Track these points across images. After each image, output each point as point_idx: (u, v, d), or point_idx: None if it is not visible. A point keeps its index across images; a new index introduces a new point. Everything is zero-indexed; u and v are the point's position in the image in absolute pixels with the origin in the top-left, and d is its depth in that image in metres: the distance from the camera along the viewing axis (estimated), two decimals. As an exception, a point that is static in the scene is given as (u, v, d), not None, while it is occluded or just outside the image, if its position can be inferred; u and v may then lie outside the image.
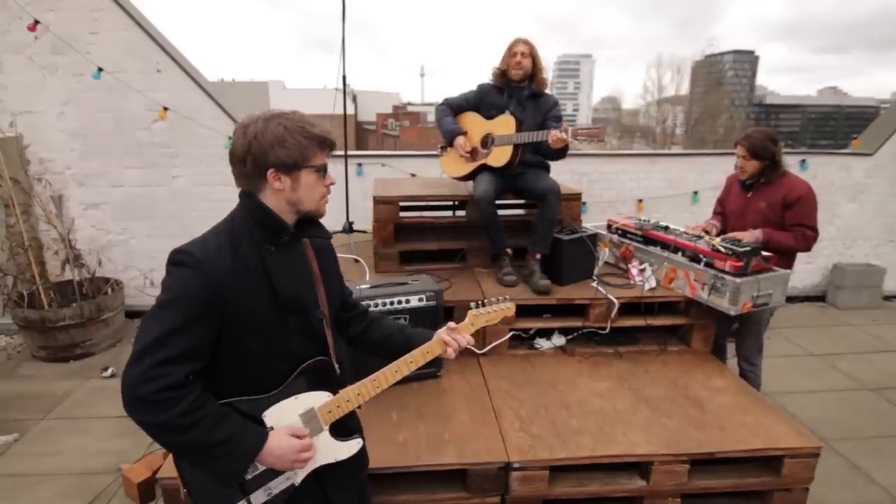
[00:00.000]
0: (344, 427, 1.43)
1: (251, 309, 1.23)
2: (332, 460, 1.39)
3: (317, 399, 1.36)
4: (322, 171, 1.29)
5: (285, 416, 1.31)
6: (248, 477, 1.29)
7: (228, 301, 1.19)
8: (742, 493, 2.21)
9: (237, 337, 1.23)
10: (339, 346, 1.44)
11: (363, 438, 1.51)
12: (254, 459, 1.24)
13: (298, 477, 1.35)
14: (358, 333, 1.59)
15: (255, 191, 1.28)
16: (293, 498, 1.36)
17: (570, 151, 3.12)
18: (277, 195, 1.27)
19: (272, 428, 1.30)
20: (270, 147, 1.21)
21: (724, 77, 76.77)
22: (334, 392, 1.38)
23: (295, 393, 1.33)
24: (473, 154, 3.21)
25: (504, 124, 3.09)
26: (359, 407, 1.45)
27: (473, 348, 2.83)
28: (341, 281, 1.56)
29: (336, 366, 1.40)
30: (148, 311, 1.19)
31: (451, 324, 1.56)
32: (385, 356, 1.49)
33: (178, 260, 1.19)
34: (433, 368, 2.60)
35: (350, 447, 1.42)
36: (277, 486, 1.33)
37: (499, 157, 3.09)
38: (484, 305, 1.64)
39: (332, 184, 1.34)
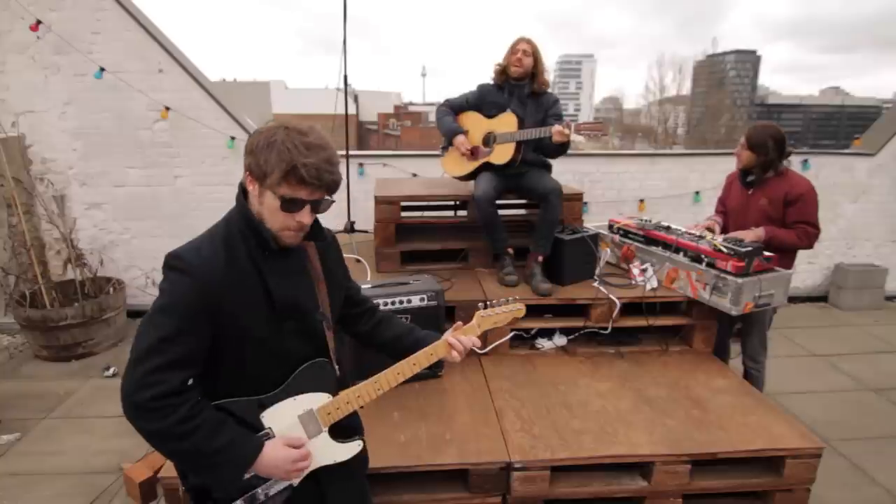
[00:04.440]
0: (344, 428, 1.41)
1: (246, 314, 1.22)
2: (330, 461, 1.38)
3: (316, 400, 1.34)
4: (287, 204, 1.19)
5: (284, 416, 1.30)
6: (246, 477, 1.27)
7: (222, 307, 1.19)
8: (744, 494, 2.21)
9: (234, 340, 1.23)
10: (339, 347, 1.42)
11: (363, 439, 1.49)
12: (249, 469, 1.23)
13: (296, 479, 1.34)
14: (366, 331, 1.57)
15: (247, 186, 1.25)
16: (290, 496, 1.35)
17: (571, 151, 3.12)
18: (253, 200, 1.24)
19: (270, 429, 1.29)
20: (258, 147, 1.18)
21: (725, 77, 76.67)
22: (334, 394, 1.36)
23: (293, 394, 1.31)
24: (475, 153, 3.21)
25: (506, 122, 3.09)
26: (361, 406, 1.43)
27: (474, 348, 2.82)
28: (347, 276, 1.53)
29: (336, 367, 1.38)
30: (146, 313, 1.19)
31: (459, 323, 1.52)
32: (393, 357, 1.46)
33: (173, 265, 1.19)
34: (435, 368, 2.60)
35: (350, 449, 1.41)
36: (275, 487, 1.31)
37: (501, 154, 3.09)
38: (492, 306, 1.57)
39: (301, 224, 1.22)
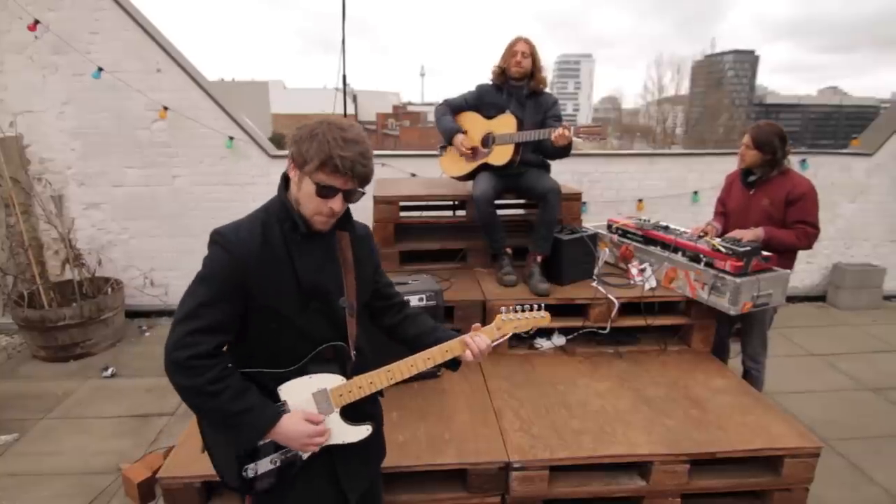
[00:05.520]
0: (359, 412, 1.47)
1: (274, 292, 1.32)
2: (339, 441, 1.44)
3: (330, 381, 1.41)
4: (321, 190, 1.29)
5: (298, 392, 1.39)
6: (259, 444, 1.37)
7: (252, 283, 1.30)
8: (742, 493, 2.21)
9: (262, 315, 1.33)
10: (360, 335, 1.47)
11: (380, 428, 1.57)
12: (266, 434, 1.33)
13: (305, 453, 1.42)
14: (392, 325, 1.63)
15: (289, 172, 1.35)
16: (300, 473, 1.43)
17: (571, 151, 3.11)
18: (293, 186, 1.34)
19: (285, 402, 1.38)
20: (302, 138, 1.28)
21: (724, 77, 76.78)
22: (348, 377, 1.43)
23: (310, 372, 1.39)
24: (475, 153, 3.21)
25: (505, 123, 3.09)
26: (381, 395, 1.51)
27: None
28: (378, 271, 1.59)
29: (353, 352, 1.43)
30: (192, 281, 1.32)
31: (477, 325, 1.57)
32: (414, 353, 1.51)
33: (215, 240, 1.31)
34: (453, 366, 2.58)
35: (359, 432, 1.46)
36: (284, 457, 1.40)
37: (500, 155, 3.09)
38: (516, 311, 1.58)
39: (332, 210, 1.32)
